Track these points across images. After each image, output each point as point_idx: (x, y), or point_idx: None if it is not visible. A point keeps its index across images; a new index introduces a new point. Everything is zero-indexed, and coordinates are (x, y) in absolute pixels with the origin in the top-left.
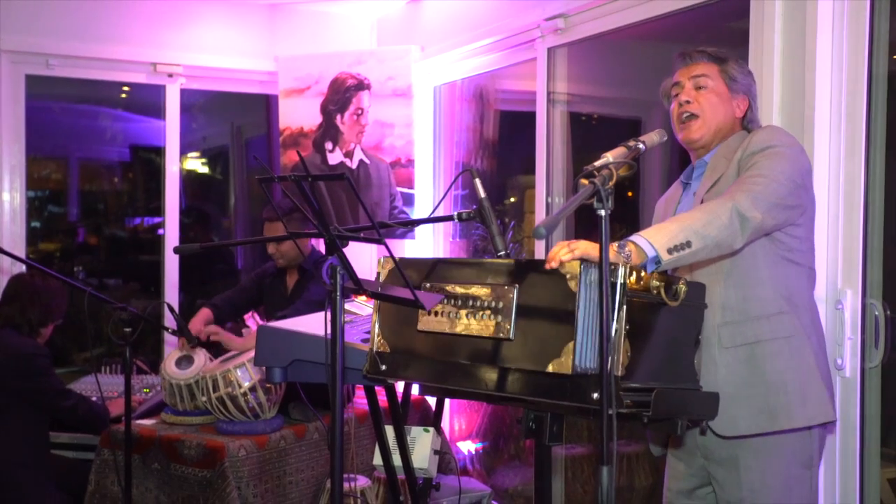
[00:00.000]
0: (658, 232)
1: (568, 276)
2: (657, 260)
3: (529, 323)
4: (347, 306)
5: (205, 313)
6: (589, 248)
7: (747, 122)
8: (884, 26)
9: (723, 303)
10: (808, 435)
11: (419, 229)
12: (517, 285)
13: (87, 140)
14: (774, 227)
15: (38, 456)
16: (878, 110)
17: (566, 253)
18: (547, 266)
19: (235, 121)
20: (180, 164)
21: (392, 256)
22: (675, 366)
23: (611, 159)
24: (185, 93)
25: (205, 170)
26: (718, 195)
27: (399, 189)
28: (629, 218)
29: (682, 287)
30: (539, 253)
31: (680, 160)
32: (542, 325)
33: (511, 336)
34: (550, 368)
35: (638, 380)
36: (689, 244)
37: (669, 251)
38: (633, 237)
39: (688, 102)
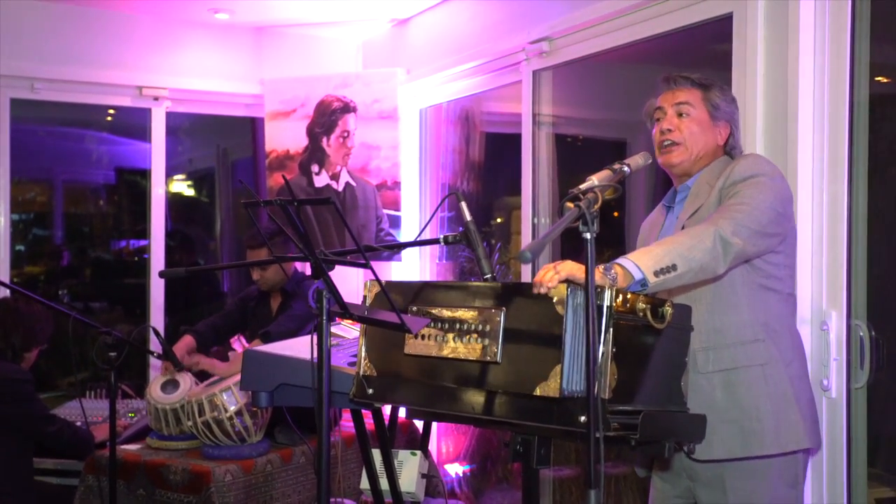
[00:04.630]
0: (644, 255)
1: (555, 300)
2: (643, 282)
3: (516, 346)
4: (334, 330)
5: (187, 341)
6: (574, 269)
7: (729, 149)
8: (865, 49)
9: (700, 328)
10: (792, 456)
11: (406, 252)
12: (504, 308)
13: (72, 163)
14: (755, 255)
15: (22, 482)
16: (861, 132)
17: (552, 275)
18: (534, 291)
19: (221, 143)
20: (166, 186)
21: (378, 280)
22: (662, 388)
23: (596, 182)
24: (170, 116)
25: (191, 192)
26: (700, 221)
27: (385, 211)
28: (615, 240)
29: (669, 309)
30: (526, 275)
31: (665, 182)
32: (529, 349)
33: (498, 359)
34: (538, 392)
35: (625, 402)
36: (674, 267)
37: (656, 274)
38: (620, 260)
39: (669, 131)
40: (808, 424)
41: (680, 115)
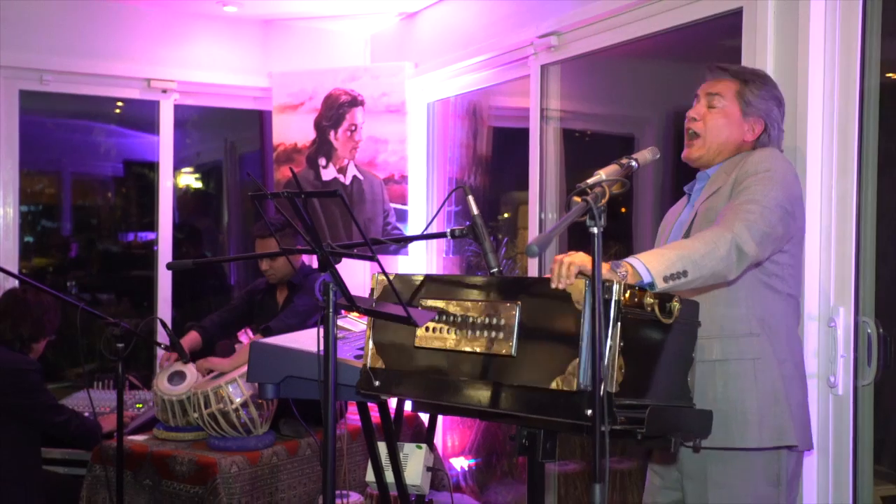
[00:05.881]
0: (656, 258)
1: (573, 296)
2: (651, 285)
3: (532, 341)
4: (340, 322)
5: (192, 336)
6: (586, 260)
7: (761, 146)
8: (875, 44)
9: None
10: (775, 453)
11: (412, 245)
12: (519, 303)
13: (80, 155)
14: (765, 259)
15: (29, 472)
16: (870, 128)
17: (567, 269)
18: (553, 286)
19: (229, 136)
20: (174, 179)
21: (385, 273)
22: (668, 383)
23: (604, 177)
24: (178, 108)
25: (198, 185)
26: (711, 210)
27: (392, 205)
28: (622, 235)
29: (676, 304)
30: (532, 270)
31: (673, 177)
32: (546, 343)
33: (513, 353)
34: (554, 385)
35: (632, 396)
36: (685, 273)
37: (665, 279)
38: (631, 259)
39: (694, 120)
40: (795, 424)
41: (710, 106)
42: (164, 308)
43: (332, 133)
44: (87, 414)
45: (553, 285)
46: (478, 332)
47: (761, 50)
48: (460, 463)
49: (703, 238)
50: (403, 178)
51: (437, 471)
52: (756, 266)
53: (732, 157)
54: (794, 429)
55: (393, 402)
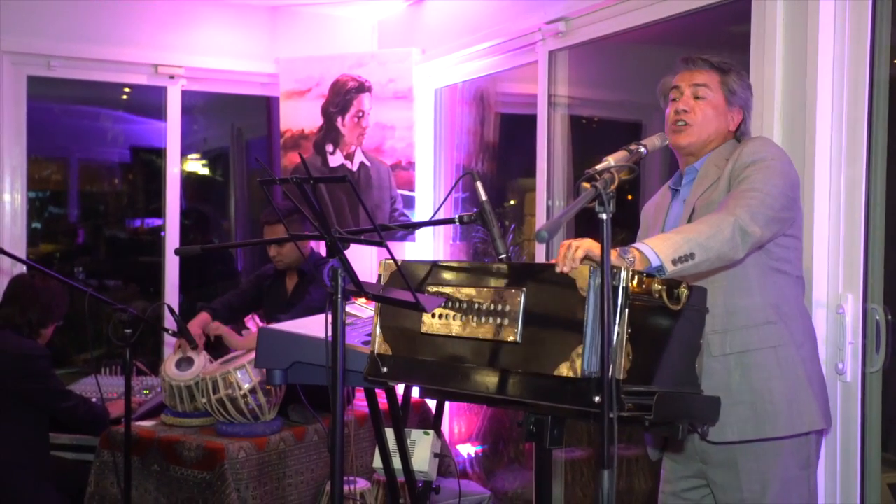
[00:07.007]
0: (662, 242)
1: (578, 282)
2: (661, 269)
3: (537, 327)
4: (348, 309)
5: (203, 317)
6: (593, 246)
7: (740, 134)
8: (885, 31)
9: (714, 311)
10: (804, 437)
11: (419, 232)
12: (524, 289)
13: (87, 141)
14: (769, 240)
15: (38, 457)
16: (880, 115)
17: (574, 253)
18: (558, 270)
19: (236, 123)
20: (181, 165)
21: (394, 259)
22: (676, 370)
23: (612, 163)
24: (186, 94)
25: (205, 171)
26: (711, 203)
27: (399, 191)
28: (629, 222)
29: (684, 291)
30: (539, 256)
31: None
32: (551, 329)
33: (518, 339)
34: (558, 372)
35: (639, 383)
36: (692, 256)
37: (674, 262)
38: (638, 245)
39: (684, 111)
40: (820, 406)
41: (696, 97)
42: (172, 294)
43: (339, 119)
44: (94, 400)
45: (558, 269)
46: (484, 319)
47: (770, 36)
48: (467, 449)
49: (707, 221)
50: (410, 165)
51: (444, 457)
52: (760, 249)
53: (718, 149)
54: (820, 412)
55: (400, 389)
